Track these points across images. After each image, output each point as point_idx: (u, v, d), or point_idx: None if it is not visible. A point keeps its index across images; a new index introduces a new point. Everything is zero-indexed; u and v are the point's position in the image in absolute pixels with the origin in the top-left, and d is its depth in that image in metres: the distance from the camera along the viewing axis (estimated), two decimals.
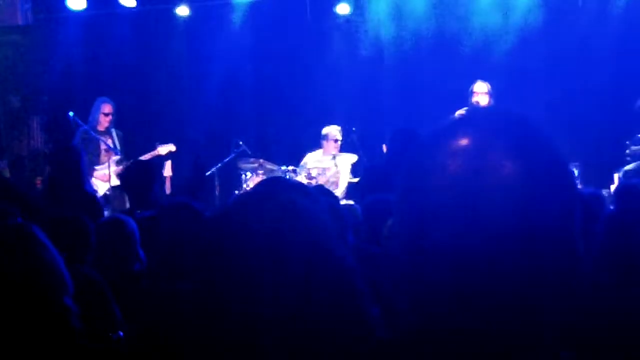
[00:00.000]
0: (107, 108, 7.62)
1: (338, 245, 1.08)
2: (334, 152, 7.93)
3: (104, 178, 7.48)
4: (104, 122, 7.61)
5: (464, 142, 0.88)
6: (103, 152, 7.64)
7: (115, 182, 7.42)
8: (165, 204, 2.76)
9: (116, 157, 7.49)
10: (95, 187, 7.51)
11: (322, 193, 4.15)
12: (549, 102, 8.27)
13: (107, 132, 7.67)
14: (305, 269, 1.04)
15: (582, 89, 8.32)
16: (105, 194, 7.49)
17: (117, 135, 7.75)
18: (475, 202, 0.84)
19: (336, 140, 8.00)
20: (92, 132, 7.49)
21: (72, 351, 1.87)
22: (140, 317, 2.61)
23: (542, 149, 0.87)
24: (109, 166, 7.40)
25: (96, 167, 7.55)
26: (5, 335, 1.80)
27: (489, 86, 7.08)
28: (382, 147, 7.73)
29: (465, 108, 6.89)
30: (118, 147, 7.62)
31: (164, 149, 7.66)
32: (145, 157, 7.58)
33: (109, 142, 7.62)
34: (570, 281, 0.85)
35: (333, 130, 8.04)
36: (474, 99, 6.97)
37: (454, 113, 6.84)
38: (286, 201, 1.11)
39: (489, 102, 6.97)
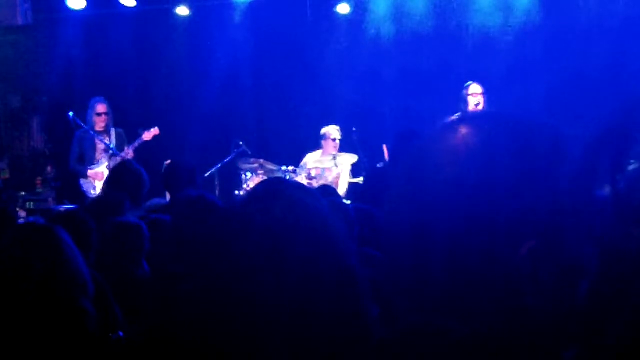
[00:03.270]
0: (99, 108, 7.65)
1: (344, 245, 1.08)
2: (333, 152, 7.92)
3: (100, 176, 7.55)
4: (98, 121, 7.64)
5: (462, 140, 0.88)
6: (99, 151, 7.67)
7: None
8: (180, 198, 2.74)
9: (109, 153, 7.54)
10: (93, 185, 7.58)
11: (327, 193, 4.15)
12: (549, 102, 8.27)
13: (105, 131, 7.70)
14: (308, 268, 1.04)
15: (583, 88, 8.31)
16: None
17: (117, 133, 7.78)
18: (474, 201, 0.84)
19: (334, 140, 7.99)
20: (90, 132, 7.55)
21: (84, 352, 1.88)
22: (141, 317, 2.61)
23: (541, 148, 0.87)
24: (107, 163, 7.45)
25: (91, 166, 7.62)
26: (20, 331, 1.80)
27: (482, 87, 7.10)
28: (382, 147, 7.74)
29: (459, 113, 6.90)
30: (113, 145, 7.64)
31: (148, 135, 7.67)
32: (133, 145, 7.61)
33: (106, 140, 7.65)
34: (571, 281, 0.85)
35: (331, 130, 8.03)
36: (471, 99, 6.96)
37: (453, 113, 6.87)
38: (294, 200, 1.10)
39: (484, 102, 6.97)
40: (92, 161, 7.66)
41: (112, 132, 7.75)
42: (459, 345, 0.84)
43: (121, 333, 2.93)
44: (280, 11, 9.22)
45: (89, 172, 7.63)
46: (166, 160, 7.86)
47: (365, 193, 5.17)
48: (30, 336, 1.82)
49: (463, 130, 0.89)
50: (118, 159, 7.54)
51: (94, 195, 7.62)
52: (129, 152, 7.58)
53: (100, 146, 7.65)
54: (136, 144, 7.64)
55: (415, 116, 8.34)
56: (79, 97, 8.82)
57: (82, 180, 7.73)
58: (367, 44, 9.22)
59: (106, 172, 7.46)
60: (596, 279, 0.84)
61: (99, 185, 7.60)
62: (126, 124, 8.09)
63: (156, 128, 7.69)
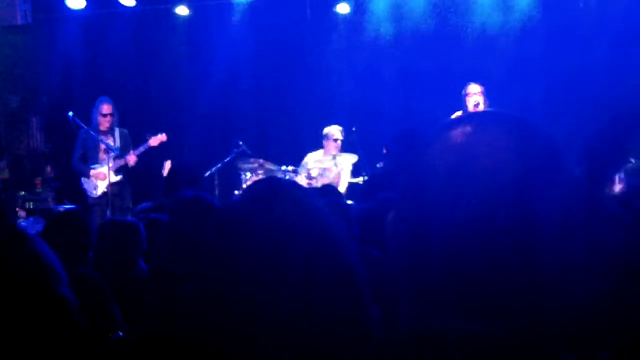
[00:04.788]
0: (104, 109, 7.64)
1: (344, 245, 1.08)
2: (334, 152, 7.92)
3: (102, 176, 7.55)
4: (103, 122, 7.64)
5: (463, 140, 0.88)
6: (102, 152, 7.68)
7: (114, 178, 7.48)
8: (177, 198, 2.74)
9: (112, 154, 7.54)
10: (95, 185, 7.58)
11: (329, 193, 4.14)
12: (549, 101, 8.27)
13: (109, 131, 7.69)
14: (308, 269, 1.03)
15: (582, 86, 8.32)
16: (105, 192, 7.54)
17: (121, 133, 7.77)
18: (474, 201, 0.83)
19: (336, 140, 7.99)
20: (91, 132, 7.55)
21: (73, 341, 1.86)
22: (140, 317, 2.61)
23: (543, 149, 0.87)
24: (108, 165, 7.46)
25: (94, 166, 7.62)
26: (4, 327, 1.80)
27: (482, 87, 7.09)
28: (382, 147, 7.73)
29: (461, 112, 6.90)
30: (117, 146, 7.64)
31: (155, 141, 7.65)
32: (138, 150, 7.60)
33: (110, 141, 7.65)
34: (570, 281, 0.85)
35: (333, 130, 8.02)
36: (471, 99, 6.96)
37: (453, 113, 6.88)
38: (294, 200, 1.10)
39: (485, 102, 6.97)
40: (95, 161, 7.67)
41: (117, 132, 7.74)
42: (459, 346, 0.83)
43: (121, 333, 2.92)
44: (280, 11, 9.22)
45: (92, 172, 7.63)
46: (166, 160, 7.89)
47: (366, 193, 5.15)
48: (15, 328, 1.81)
49: (463, 130, 0.89)
50: (122, 161, 7.53)
51: (95, 196, 7.63)
52: (132, 157, 7.56)
53: (103, 146, 7.65)
54: (142, 148, 7.62)
55: (415, 116, 8.34)
56: (79, 97, 8.83)
57: (83, 180, 7.74)
58: (367, 44, 9.22)
59: (110, 173, 7.47)
60: (617, 277, 0.84)
61: (101, 186, 7.59)
62: (126, 124, 8.09)
63: (164, 134, 7.67)
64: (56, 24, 9.64)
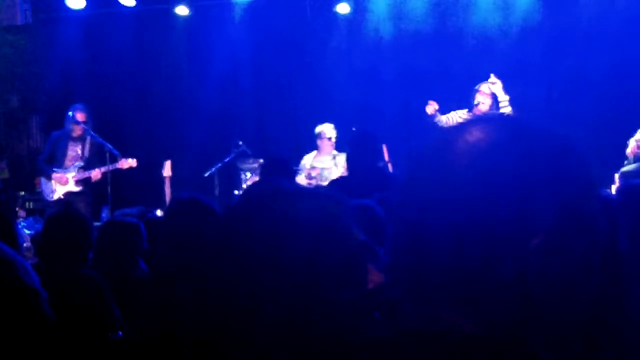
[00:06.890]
0: (77, 116, 7.58)
1: (347, 245, 1.08)
2: (332, 152, 7.90)
3: (64, 180, 7.51)
4: (76, 129, 7.58)
5: (463, 142, 0.88)
6: (69, 158, 7.61)
7: (73, 188, 7.50)
8: (174, 199, 2.73)
9: (78, 164, 7.53)
10: (53, 189, 7.55)
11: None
12: (549, 101, 8.27)
13: (80, 138, 7.63)
14: (307, 269, 1.03)
15: (583, 87, 8.32)
16: (66, 198, 7.49)
17: (92, 142, 7.65)
18: (474, 202, 0.83)
19: (330, 138, 7.92)
20: (64, 137, 7.54)
21: (39, 330, 1.85)
22: (141, 317, 2.61)
23: (542, 151, 0.87)
24: (75, 175, 7.47)
25: (57, 170, 7.56)
26: None
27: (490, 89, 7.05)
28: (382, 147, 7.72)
29: (466, 110, 6.89)
30: (86, 154, 7.60)
31: (124, 164, 7.56)
32: (106, 167, 7.52)
33: (78, 149, 7.61)
34: (568, 283, 0.85)
35: (325, 129, 7.95)
36: (478, 96, 6.93)
37: (454, 112, 6.88)
38: (294, 200, 1.10)
39: (492, 105, 6.94)
40: (60, 166, 7.58)
41: (88, 140, 7.66)
42: (458, 346, 0.84)
43: (121, 333, 2.93)
44: (280, 11, 9.23)
45: (54, 175, 7.56)
46: (166, 160, 7.88)
47: None
48: None
49: (463, 132, 0.89)
50: (86, 174, 7.49)
51: (51, 199, 7.57)
52: (97, 173, 7.50)
53: (71, 153, 7.62)
54: (111, 167, 7.54)
55: (415, 116, 8.33)
56: (79, 97, 8.83)
57: (43, 181, 7.69)
58: (367, 44, 9.22)
59: (71, 181, 7.47)
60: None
61: (58, 191, 7.55)
62: (125, 124, 8.09)
63: (135, 160, 7.54)
64: (56, 24, 9.64)
